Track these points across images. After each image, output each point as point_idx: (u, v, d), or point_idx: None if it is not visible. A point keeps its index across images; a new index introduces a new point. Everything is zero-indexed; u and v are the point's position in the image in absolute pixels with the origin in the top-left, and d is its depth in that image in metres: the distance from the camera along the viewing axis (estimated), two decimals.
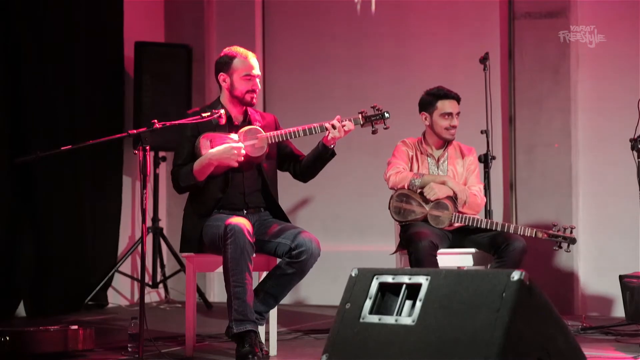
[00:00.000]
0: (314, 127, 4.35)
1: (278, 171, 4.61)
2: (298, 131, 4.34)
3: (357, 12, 6.84)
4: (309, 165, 4.51)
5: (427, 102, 4.96)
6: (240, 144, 4.31)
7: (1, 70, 5.88)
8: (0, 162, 5.75)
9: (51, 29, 6.16)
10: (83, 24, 6.42)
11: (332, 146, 4.40)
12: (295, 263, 4.23)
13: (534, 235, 4.69)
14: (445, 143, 5.00)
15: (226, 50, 4.49)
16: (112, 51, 6.70)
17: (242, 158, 4.29)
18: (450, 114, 4.92)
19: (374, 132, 4.37)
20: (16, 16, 5.92)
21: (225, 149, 4.28)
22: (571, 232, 4.72)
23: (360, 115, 4.36)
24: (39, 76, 6.07)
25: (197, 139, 4.36)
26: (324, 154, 4.43)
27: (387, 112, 4.36)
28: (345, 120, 4.34)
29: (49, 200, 6.12)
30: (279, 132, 4.39)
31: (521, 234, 4.66)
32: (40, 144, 5.80)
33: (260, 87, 4.48)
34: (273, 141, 4.38)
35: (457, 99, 4.95)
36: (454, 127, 4.93)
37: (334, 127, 4.32)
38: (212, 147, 4.31)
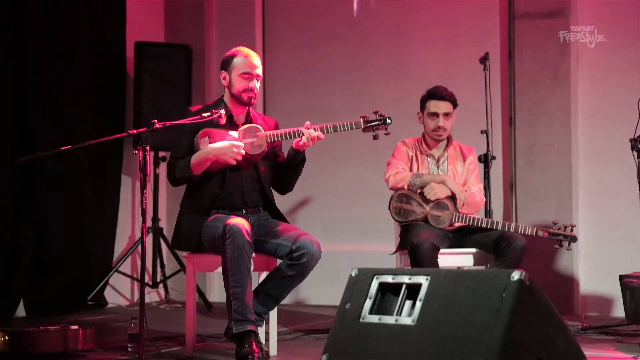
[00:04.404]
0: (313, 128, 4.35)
1: None
2: (298, 131, 4.33)
3: (356, 12, 6.84)
4: (283, 173, 4.51)
5: (422, 102, 4.96)
6: (241, 143, 4.31)
7: (6, 69, 5.88)
8: (2, 162, 5.76)
9: (55, 29, 6.17)
10: (87, 24, 6.44)
11: (303, 151, 4.39)
12: (295, 265, 4.23)
13: (534, 234, 4.68)
14: (441, 143, 4.99)
15: (232, 49, 4.50)
16: (114, 52, 6.71)
17: (241, 157, 4.29)
18: (436, 115, 4.89)
19: (375, 138, 4.37)
20: (21, 17, 5.94)
21: (225, 145, 4.28)
22: (572, 230, 4.72)
23: (362, 120, 4.36)
24: (43, 76, 6.08)
25: (196, 134, 4.36)
26: (294, 159, 4.42)
27: (389, 118, 4.35)
28: (317, 130, 4.30)
29: (50, 200, 6.12)
30: (277, 131, 4.39)
31: (522, 232, 4.66)
32: (43, 144, 5.81)
33: (258, 88, 4.46)
34: (272, 140, 4.38)
35: (449, 99, 4.90)
36: (441, 127, 4.88)
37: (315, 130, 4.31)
38: (210, 143, 4.31)
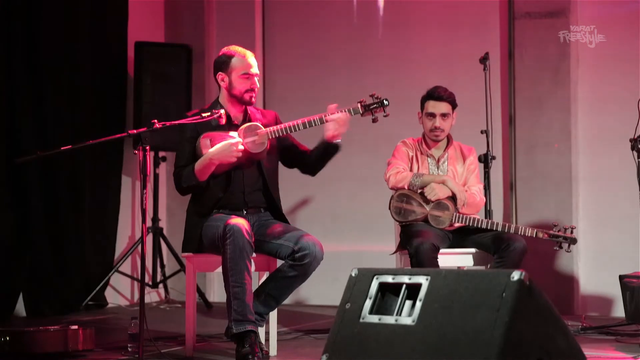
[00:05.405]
0: (314, 120, 4.32)
1: (279, 170, 4.60)
2: (297, 125, 4.32)
3: (356, 11, 6.84)
4: (318, 160, 4.51)
5: (421, 102, 4.96)
6: (238, 140, 4.30)
7: (5, 69, 5.87)
8: (1, 162, 5.75)
9: (51, 29, 6.17)
10: (86, 24, 6.45)
11: (337, 141, 4.39)
12: (298, 266, 4.22)
13: (534, 236, 4.68)
14: (441, 143, 4.98)
15: (224, 49, 4.48)
16: (114, 52, 6.71)
17: (240, 153, 4.28)
18: (434, 115, 4.88)
19: (374, 121, 4.35)
20: (14, 16, 5.94)
21: (223, 146, 4.27)
22: (572, 232, 4.72)
23: (359, 105, 4.34)
24: (43, 76, 6.08)
25: (198, 140, 4.35)
26: (329, 150, 4.42)
27: (387, 100, 4.33)
28: (340, 111, 4.31)
29: (49, 200, 6.12)
30: (278, 126, 4.37)
31: (522, 234, 4.66)
32: (43, 144, 5.81)
33: (259, 86, 4.47)
34: (273, 136, 4.37)
35: (447, 100, 4.89)
36: (437, 128, 4.88)
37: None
38: (212, 147, 4.31)
